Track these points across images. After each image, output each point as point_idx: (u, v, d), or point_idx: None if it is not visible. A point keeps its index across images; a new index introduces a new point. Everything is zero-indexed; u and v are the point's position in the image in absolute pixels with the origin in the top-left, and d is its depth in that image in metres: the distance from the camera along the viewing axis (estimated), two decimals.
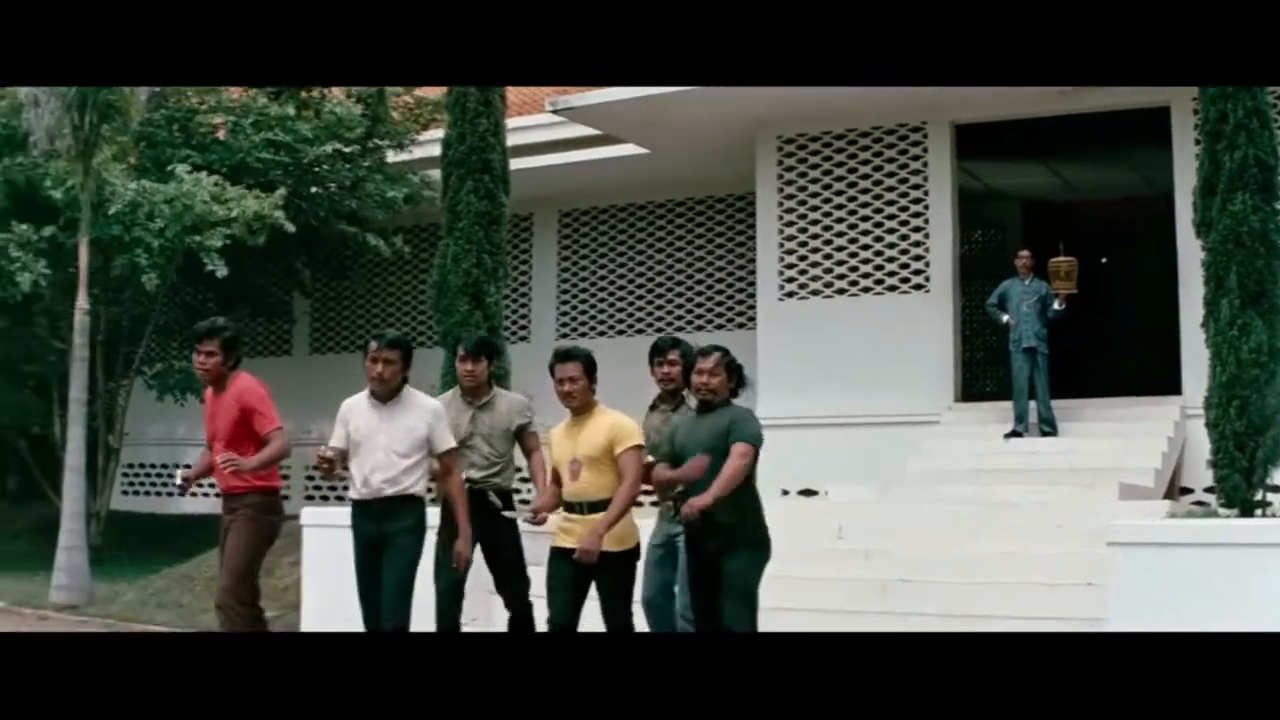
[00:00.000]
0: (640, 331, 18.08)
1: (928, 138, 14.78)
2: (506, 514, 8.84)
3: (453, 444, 8.61)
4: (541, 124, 16.50)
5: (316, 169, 17.53)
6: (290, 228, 15.92)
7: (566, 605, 8.08)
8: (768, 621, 7.84)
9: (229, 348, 8.80)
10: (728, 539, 7.83)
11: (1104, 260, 17.93)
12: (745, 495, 8.00)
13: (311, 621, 11.29)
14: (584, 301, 19.08)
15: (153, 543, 17.05)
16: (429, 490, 8.58)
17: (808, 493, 13.76)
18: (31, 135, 14.46)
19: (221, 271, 15.55)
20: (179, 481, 8.93)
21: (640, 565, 8.33)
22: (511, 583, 8.97)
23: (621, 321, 18.74)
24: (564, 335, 18.73)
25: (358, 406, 8.55)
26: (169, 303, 17.78)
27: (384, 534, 8.39)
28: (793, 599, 9.54)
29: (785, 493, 13.92)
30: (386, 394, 8.44)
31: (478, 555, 8.87)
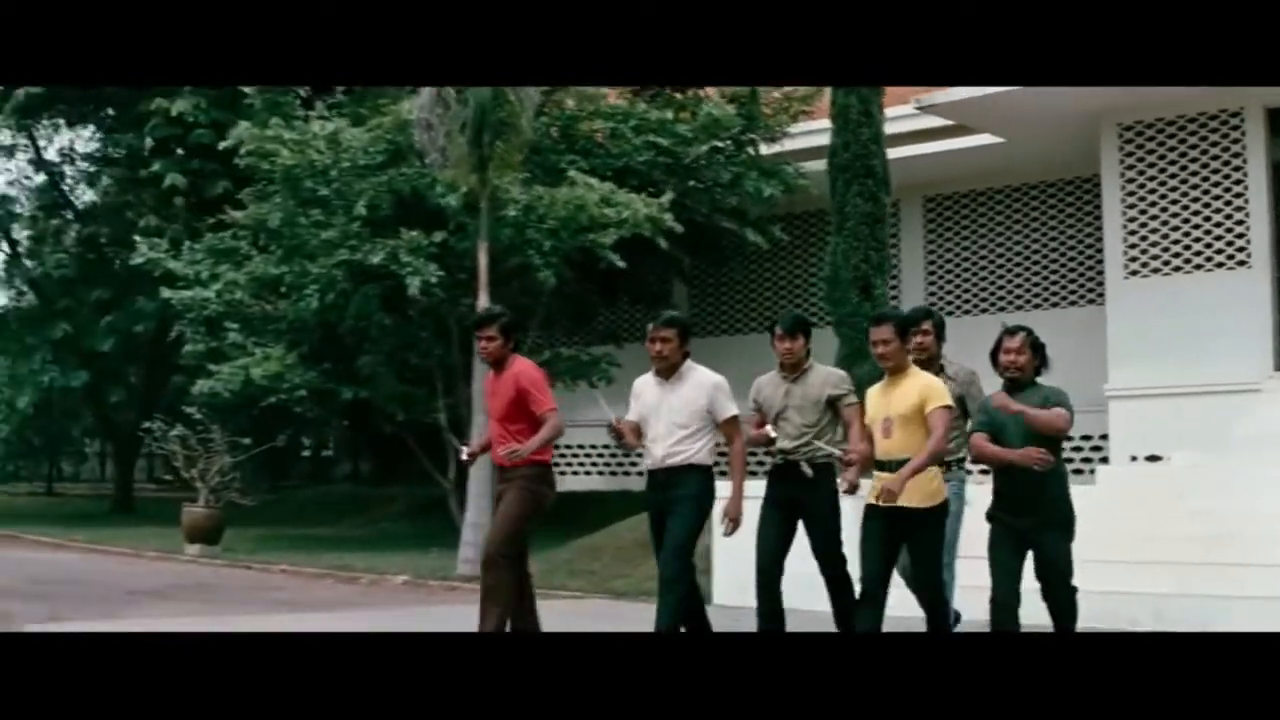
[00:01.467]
0: (1001, 309, 18.46)
1: (1245, 121, 14.93)
2: (838, 481, 8.82)
3: (733, 412, 8.81)
4: (901, 115, 17.13)
5: (695, 168, 18.37)
6: (679, 228, 16.86)
7: (878, 562, 8.22)
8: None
9: (507, 332, 9.32)
10: (1044, 520, 8.04)
11: None
12: (1061, 469, 8.17)
13: (721, 578, 12.34)
14: (948, 280, 19.60)
15: (548, 518, 18.33)
16: (716, 462, 8.78)
17: (1153, 458, 14.16)
18: (427, 156, 15.69)
19: (619, 265, 16.61)
20: (464, 456, 9.70)
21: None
22: (825, 548, 8.95)
23: (983, 299, 19.18)
24: None
25: (646, 384, 8.95)
26: (553, 295, 18.70)
27: (668, 500, 8.71)
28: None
29: (1134, 459, 14.43)
30: (667, 370, 8.81)
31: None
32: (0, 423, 26.96)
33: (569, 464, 22.05)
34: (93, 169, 26.73)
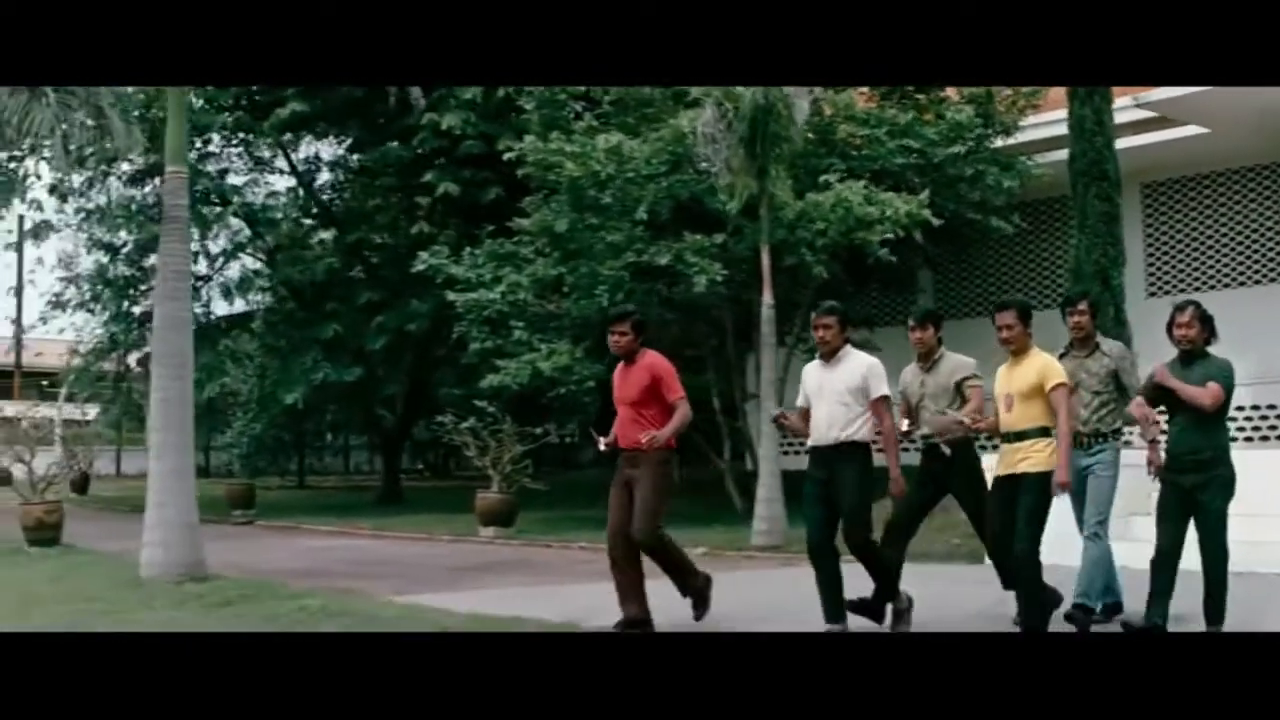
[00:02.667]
0: (1211, 288, 19.29)
1: None
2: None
3: (884, 393, 9.38)
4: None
5: (942, 166, 19.21)
6: (936, 222, 17.78)
7: (1003, 525, 8.93)
8: None
9: (637, 328, 10.09)
10: (1208, 477, 8.80)
11: None
12: (1223, 434, 8.95)
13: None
14: (1165, 262, 20.32)
15: None
16: (874, 441, 9.38)
17: None
18: (711, 166, 16.90)
19: (888, 259, 17.82)
20: (602, 446, 10.16)
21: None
22: (977, 508, 9.71)
23: (1198, 278, 19.85)
24: (1151, 294, 19.86)
25: (811, 369, 9.69)
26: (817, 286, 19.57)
27: (831, 474, 9.36)
28: None
29: None
30: (828, 354, 9.53)
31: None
32: (251, 420, 28.45)
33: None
34: (347, 178, 28.29)
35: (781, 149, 16.86)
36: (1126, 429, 9.92)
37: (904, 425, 9.83)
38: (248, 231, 27.87)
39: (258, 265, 28.40)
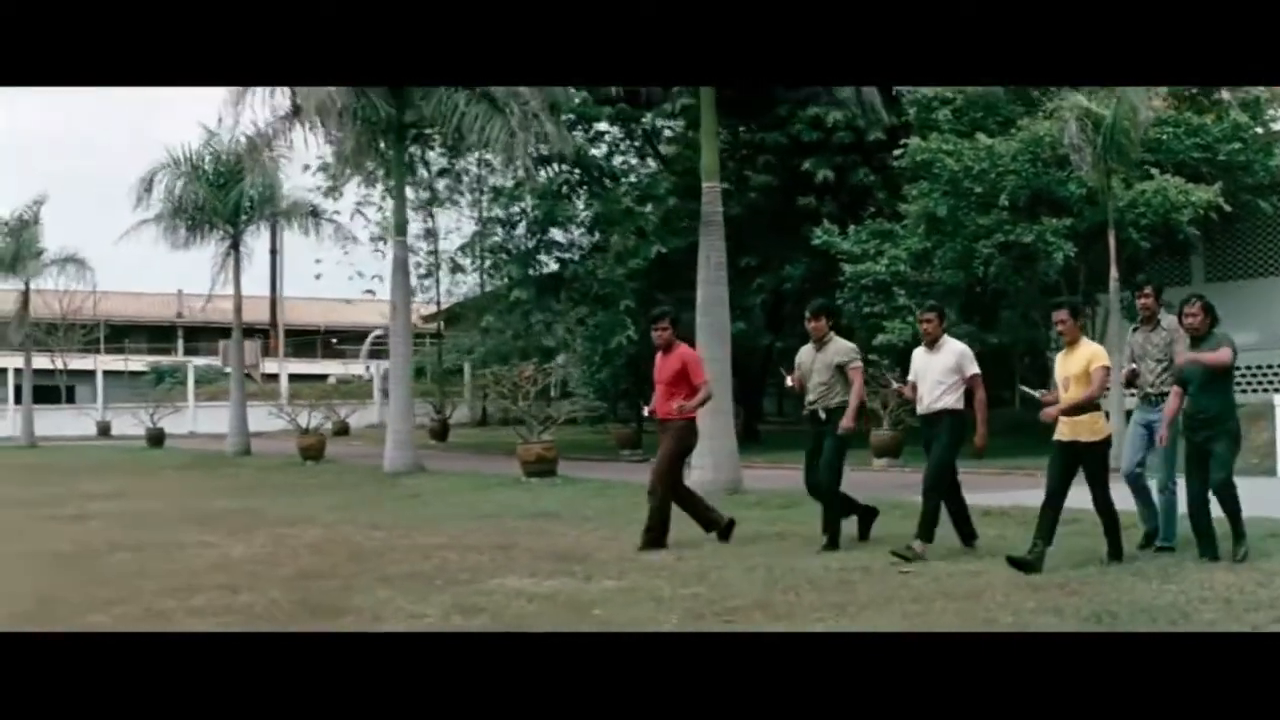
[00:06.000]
0: None
1: None
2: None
3: (975, 371, 11.38)
4: None
5: (1226, 160, 23.30)
6: (1228, 208, 22.09)
7: (1058, 481, 10.27)
8: None
9: (674, 323, 12.45)
10: (1216, 431, 9.99)
11: None
12: (1228, 396, 10.14)
13: None
14: None
15: None
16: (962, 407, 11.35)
17: None
18: (1079, 169, 21.52)
19: (1194, 234, 22.57)
20: (645, 412, 12.67)
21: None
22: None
23: None
24: None
25: (918, 354, 11.69)
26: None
27: (931, 435, 11.37)
28: None
29: None
30: (930, 341, 11.56)
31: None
32: (599, 369, 32.20)
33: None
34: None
35: (1126, 149, 21.28)
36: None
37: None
38: (629, 204, 30.80)
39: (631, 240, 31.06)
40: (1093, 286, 23.12)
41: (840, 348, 12.07)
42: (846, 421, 11.66)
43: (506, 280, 33.20)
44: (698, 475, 17.71)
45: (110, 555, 13.32)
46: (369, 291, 42.34)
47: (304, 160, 42.96)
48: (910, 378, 11.77)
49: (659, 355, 12.53)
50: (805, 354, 12.23)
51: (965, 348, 11.61)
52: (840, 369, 11.87)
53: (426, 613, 9.38)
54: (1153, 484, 11.10)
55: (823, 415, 11.91)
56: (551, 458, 22.36)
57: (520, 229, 33.31)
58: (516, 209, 32.99)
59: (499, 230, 34.17)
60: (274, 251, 59.30)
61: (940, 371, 11.34)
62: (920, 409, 11.55)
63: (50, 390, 57.16)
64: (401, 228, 27.65)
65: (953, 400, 11.30)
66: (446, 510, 11.98)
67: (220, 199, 34.87)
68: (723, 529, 12.55)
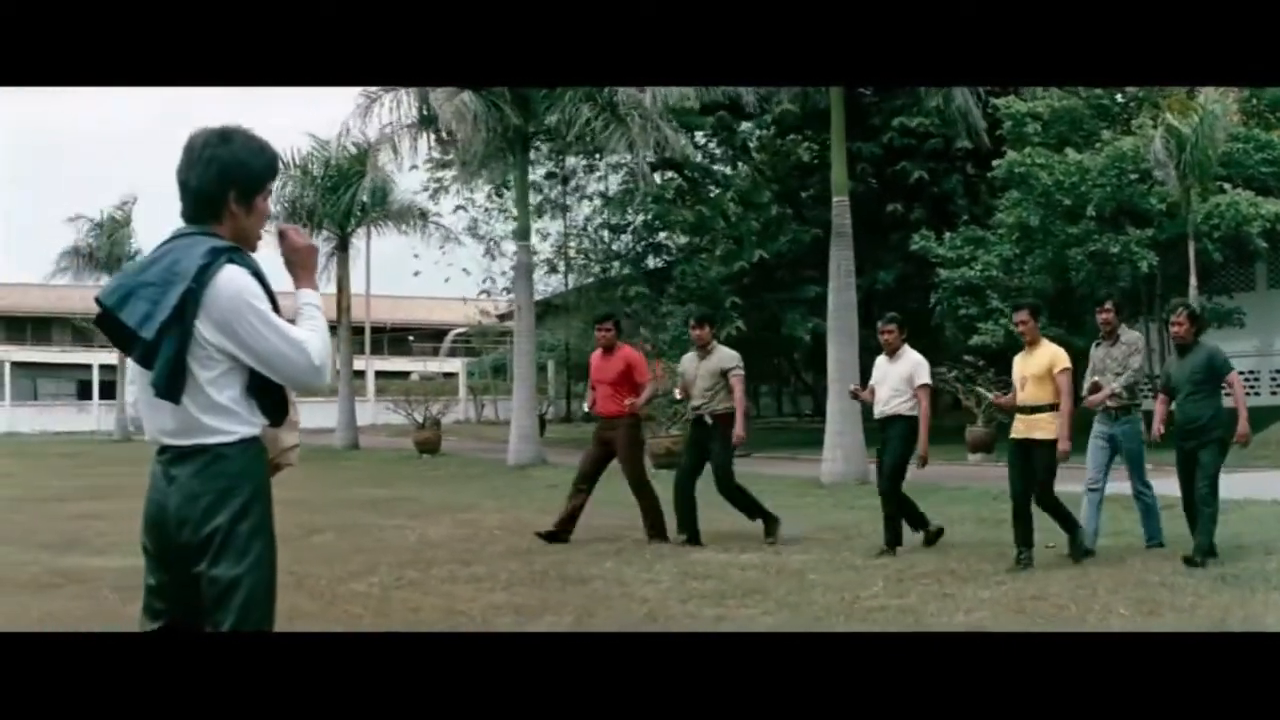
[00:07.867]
0: None
1: None
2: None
3: (925, 382, 11.58)
4: None
5: None
6: None
7: (1019, 481, 10.33)
8: None
9: (618, 326, 12.98)
10: (1203, 440, 9.98)
11: None
12: (1217, 405, 10.09)
13: None
14: None
15: None
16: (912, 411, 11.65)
17: None
18: (1164, 184, 23.39)
19: (1261, 247, 24.43)
20: (626, 405, 12.44)
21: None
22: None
23: None
24: None
25: (880, 362, 11.93)
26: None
27: (885, 438, 11.66)
28: None
29: None
30: (890, 352, 11.78)
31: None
32: None
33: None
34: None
35: (1206, 167, 23.33)
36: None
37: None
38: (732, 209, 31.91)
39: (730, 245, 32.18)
40: (1169, 291, 24.61)
41: (723, 355, 12.40)
42: (739, 431, 12.08)
43: (623, 278, 35.00)
44: (826, 467, 19.56)
45: (308, 538, 13.53)
46: (484, 293, 43.50)
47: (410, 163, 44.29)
48: (871, 382, 12.13)
49: (598, 356, 13.00)
50: (688, 362, 12.66)
51: (921, 359, 11.85)
52: (724, 375, 12.22)
53: (661, 579, 10.28)
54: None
55: (709, 420, 12.32)
56: (680, 451, 22.60)
57: (627, 235, 35.22)
58: (626, 214, 34.80)
59: (605, 233, 36.11)
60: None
61: (897, 380, 11.75)
62: (876, 413, 11.95)
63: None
64: (525, 232, 28.90)
65: (906, 407, 11.66)
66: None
67: (332, 202, 35.99)
68: (768, 525, 12.69)
